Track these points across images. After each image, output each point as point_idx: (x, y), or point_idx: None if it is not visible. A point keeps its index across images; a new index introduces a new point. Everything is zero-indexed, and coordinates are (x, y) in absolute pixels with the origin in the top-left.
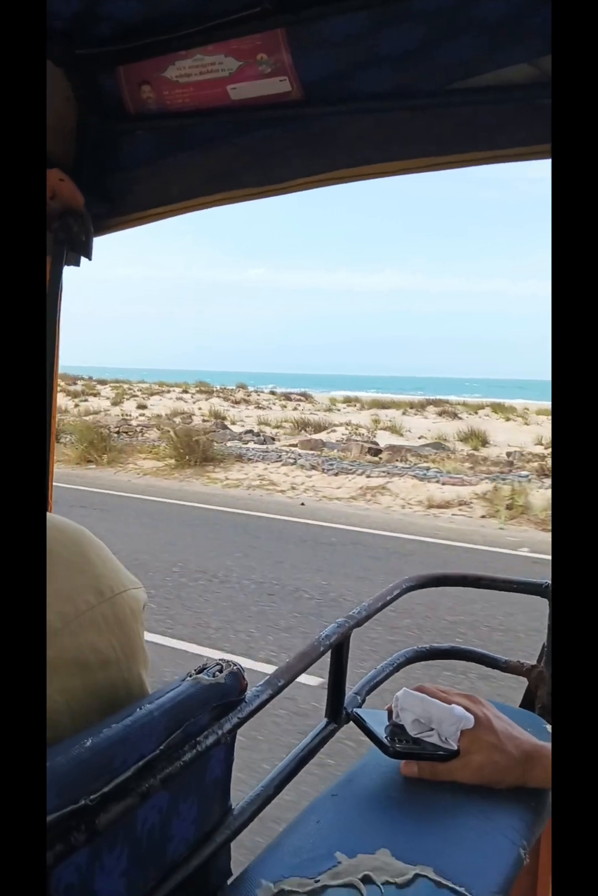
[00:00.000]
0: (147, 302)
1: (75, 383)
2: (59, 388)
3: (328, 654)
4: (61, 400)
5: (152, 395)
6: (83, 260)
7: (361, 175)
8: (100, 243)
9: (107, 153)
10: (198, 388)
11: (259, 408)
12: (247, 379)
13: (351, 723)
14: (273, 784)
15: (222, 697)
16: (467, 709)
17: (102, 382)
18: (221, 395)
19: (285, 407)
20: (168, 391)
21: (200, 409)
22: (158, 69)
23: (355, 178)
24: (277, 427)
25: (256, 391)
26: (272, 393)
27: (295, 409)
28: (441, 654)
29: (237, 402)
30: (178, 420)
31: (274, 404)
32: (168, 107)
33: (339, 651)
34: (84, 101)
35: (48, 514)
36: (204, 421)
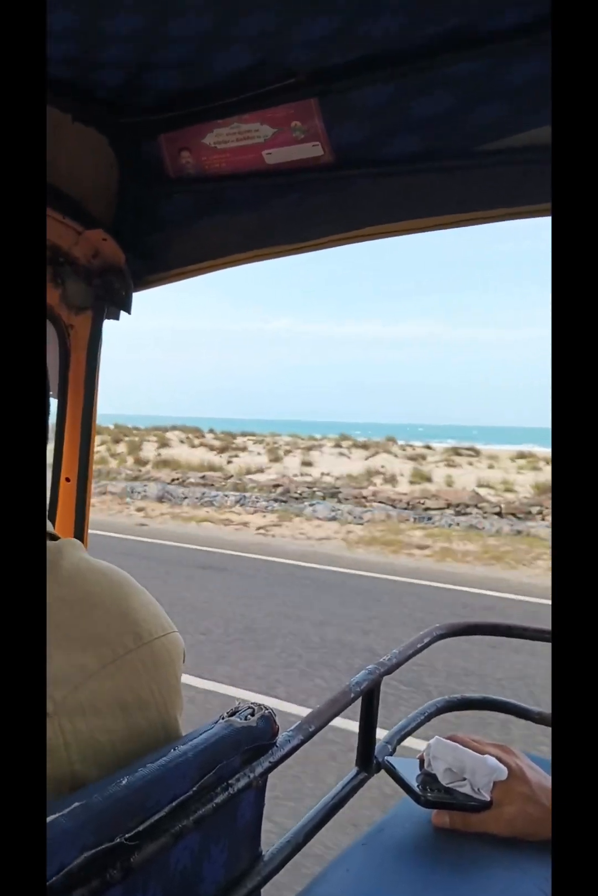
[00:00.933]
0: (173, 350)
1: (204, 435)
2: (197, 443)
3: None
4: (210, 456)
5: (309, 448)
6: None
7: (388, 232)
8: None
9: (147, 214)
10: (351, 443)
11: (451, 466)
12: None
13: (382, 771)
14: (303, 832)
15: (254, 741)
16: (499, 759)
17: (231, 435)
18: (376, 448)
19: (473, 464)
20: (320, 445)
21: (383, 467)
22: (198, 136)
23: (383, 236)
24: (507, 489)
25: (408, 444)
26: (428, 447)
27: (490, 468)
28: (474, 704)
29: (412, 459)
30: (378, 483)
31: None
32: (206, 171)
33: (369, 698)
34: (127, 166)
35: (92, 559)
36: (411, 483)
